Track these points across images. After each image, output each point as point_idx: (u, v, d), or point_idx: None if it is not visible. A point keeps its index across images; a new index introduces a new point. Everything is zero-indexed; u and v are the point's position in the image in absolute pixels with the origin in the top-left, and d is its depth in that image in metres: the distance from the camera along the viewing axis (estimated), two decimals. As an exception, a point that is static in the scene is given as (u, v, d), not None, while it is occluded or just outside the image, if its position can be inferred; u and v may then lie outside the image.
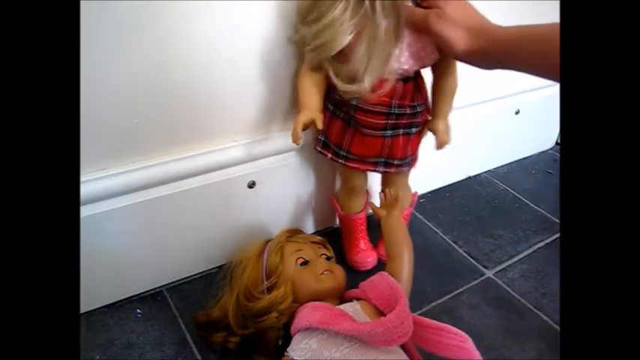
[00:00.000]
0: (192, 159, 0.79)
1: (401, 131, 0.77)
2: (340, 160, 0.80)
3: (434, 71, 0.79)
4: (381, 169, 0.80)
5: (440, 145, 0.80)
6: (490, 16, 0.65)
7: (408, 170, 0.82)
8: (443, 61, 0.74)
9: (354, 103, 0.73)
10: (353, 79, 0.68)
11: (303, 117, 0.72)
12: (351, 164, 0.80)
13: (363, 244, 0.92)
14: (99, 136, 0.70)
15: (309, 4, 0.69)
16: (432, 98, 0.79)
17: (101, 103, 0.67)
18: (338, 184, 0.96)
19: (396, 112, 0.74)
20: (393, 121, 0.74)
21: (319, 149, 0.83)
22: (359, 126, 0.75)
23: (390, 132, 0.75)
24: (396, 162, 0.79)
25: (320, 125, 0.72)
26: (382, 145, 0.76)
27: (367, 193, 0.94)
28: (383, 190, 0.84)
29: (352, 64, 0.67)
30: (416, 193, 0.93)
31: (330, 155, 0.82)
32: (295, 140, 0.72)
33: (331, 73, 0.70)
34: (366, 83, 0.67)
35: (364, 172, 0.86)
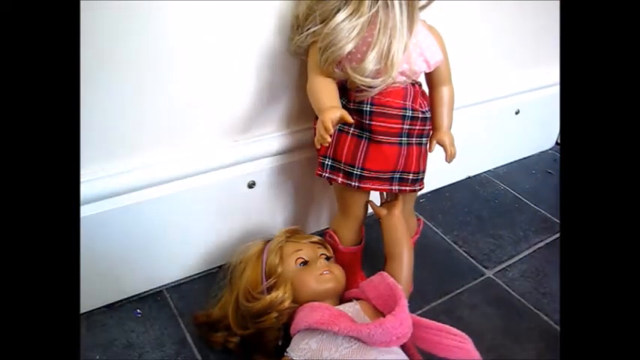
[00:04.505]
0: (193, 159, 0.79)
1: (414, 140, 0.75)
2: (353, 182, 0.75)
3: (430, 83, 0.79)
4: (396, 186, 0.76)
5: (450, 158, 0.79)
6: (490, 16, 0.65)
7: (419, 189, 0.80)
8: (438, 71, 0.75)
9: (369, 108, 0.71)
10: (372, 76, 0.67)
11: (331, 114, 0.64)
12: (365, 184, 0.75)
13: (360, 279, 0.87)
14: (99, 136, 0.70)
15: (305, 11, 0.69)
16: (432, 111, 0.78)
17: (101, 103, 0.67)
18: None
19: (410, 114, 0.72)
20: (407, 126, 0.73)
21: (327, 174, 0.76)
22: (374, 134, 0.72)
23: (406, 139, 0.74)
24: (411, 176, 0.77)
25: (350, 120, 0.65)
26: (398, 154, 0.74)
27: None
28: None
29: (369, 59, 0.65)
30: (422, 220, 0.91)
31: (340, 178, 0.75)
32: (325, 141, 0.65)
33: (349, 70, 0.67)
34: (393, 72, 0.66)
35: (368, 200, 0.82)
